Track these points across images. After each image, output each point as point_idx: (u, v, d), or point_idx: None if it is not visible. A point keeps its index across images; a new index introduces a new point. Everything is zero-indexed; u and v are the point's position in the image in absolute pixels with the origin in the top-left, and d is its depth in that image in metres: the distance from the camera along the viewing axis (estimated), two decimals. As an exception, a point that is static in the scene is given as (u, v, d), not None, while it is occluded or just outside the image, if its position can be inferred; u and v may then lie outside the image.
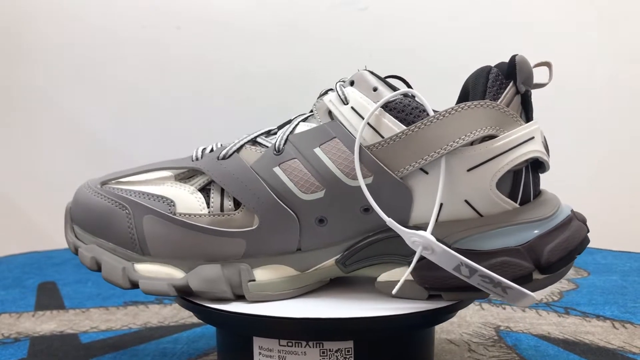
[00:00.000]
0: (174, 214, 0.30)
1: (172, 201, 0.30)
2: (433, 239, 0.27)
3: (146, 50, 0.86)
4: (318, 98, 0.32)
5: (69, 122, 0.87)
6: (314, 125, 0.31)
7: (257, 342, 0.29)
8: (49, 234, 0.81)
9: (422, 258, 0.28)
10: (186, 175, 0.32)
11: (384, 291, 0.30)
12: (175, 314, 0.46)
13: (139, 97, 0.87)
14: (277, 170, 0.29)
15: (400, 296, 0.29)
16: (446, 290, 0.29)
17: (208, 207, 0.30)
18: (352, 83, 0.31)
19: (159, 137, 0.86)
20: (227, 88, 0.83)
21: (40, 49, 0.87)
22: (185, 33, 0.85)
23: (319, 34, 0.81)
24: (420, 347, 0.31)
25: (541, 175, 0.31)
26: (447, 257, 0.27)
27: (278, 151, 0.30)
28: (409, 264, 0.29)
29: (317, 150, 0.29)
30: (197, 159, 0.32)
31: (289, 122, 0.32)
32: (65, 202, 0.33)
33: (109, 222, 0.31)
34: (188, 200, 0.30)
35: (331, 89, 0.32)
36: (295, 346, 0.28)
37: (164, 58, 0.86)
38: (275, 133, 0.32)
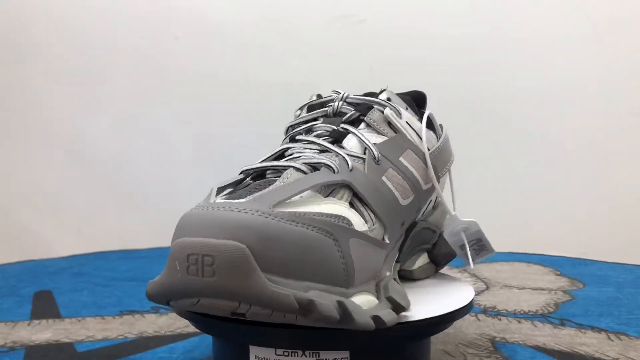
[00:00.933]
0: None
1: (349, 220, 0.26)
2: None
3: (145, 60, 0.86)
4: (360, 108, 0.33)
5: (67, 132, 0.87)
6: (374, 135, 0.32)
7: (254, 352, 0.29)
8: (45, 243, 0.80)
9: (435, 242, 0.38)
10: (326, 191, 0.28)
11: (421, 276, 0.38)
12: (171, 323, 0.46)
13: (137, 107, 0.87)
14: (384, 179, 0.30)
15: (423, 277, 0.38)
16: (441, 264, 0.40)
17: (367, 223, 0.28)
18: (388, 99, 0.34)
19: (157, 146, 0.86)
20: (226, 99, 0.84)
21: (39, 59, 0.88)
22: (184, 43, 0.86)
23: (319, 46, 0.82)
24: (416, 357, 0.31)
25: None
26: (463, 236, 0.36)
27: (378, 161, 0.30)
28: (425, 250, 0.39)
29: (402, 160, 0.32)
30: (337, 171, 0.28)
31: (340, 132, 0.31)
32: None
33: (320, 257, 0.24)
34: (354, 217, 0.27)
35: (379, 99, 0.33)
36: (291, 355, 0.28)
37: (162, 68, 0.86)
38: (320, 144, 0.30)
